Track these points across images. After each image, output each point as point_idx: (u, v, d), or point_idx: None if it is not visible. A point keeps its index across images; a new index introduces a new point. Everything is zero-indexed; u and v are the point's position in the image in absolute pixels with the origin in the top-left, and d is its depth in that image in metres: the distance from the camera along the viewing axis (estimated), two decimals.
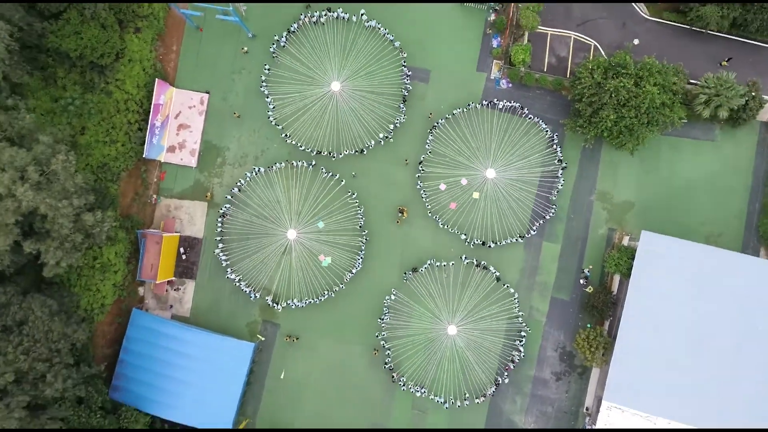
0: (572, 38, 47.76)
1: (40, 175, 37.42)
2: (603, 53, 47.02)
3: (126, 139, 47.21)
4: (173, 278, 48.71)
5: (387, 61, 47.80)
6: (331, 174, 47.84)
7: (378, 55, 47.82)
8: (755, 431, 40.80)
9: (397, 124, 47.78)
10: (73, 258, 40.34)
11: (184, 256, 48.76)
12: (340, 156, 47.77)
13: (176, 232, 48.74)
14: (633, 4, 47.30)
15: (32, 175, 36.81)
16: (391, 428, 47.38)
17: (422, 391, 46.63)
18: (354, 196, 47.64)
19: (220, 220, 48.37)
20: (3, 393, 38.81)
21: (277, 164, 48.19)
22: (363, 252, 47.37)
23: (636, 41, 46.98)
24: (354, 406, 48.14)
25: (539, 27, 46.99)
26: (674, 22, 46.77)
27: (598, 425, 42.93)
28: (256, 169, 48.22)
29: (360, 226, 47.62)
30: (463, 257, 47.11)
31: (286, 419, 48.22)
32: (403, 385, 46.76)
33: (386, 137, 47.74)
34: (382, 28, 47.51)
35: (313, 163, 48.04)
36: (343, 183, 47.77)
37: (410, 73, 47.80)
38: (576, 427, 46.42)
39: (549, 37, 47.87)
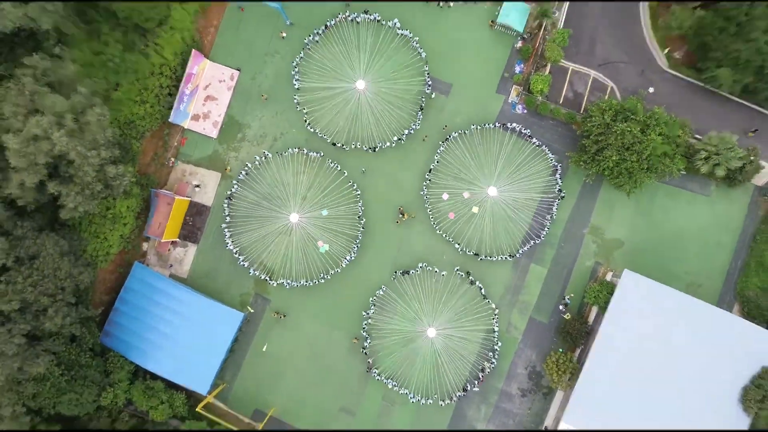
0: (591, 77, 52.36)
1: (75, 124, 42.47)
2: (618, 96, 51.59)
3: (155, 102, 51.81)
4: (177, 240, 53.87)
5: (413, 69, 52.31)
6: (338, 166, 52.52)
7: (405, 62, 52.33)
8: None
9: (412, 131, 52.44)
10: (90, 205, 45.02)
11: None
12: (353, 148, 52.45)
13: (188, 197, 53.76)
14: (654, 54, 52.09)
15: (69, 122, 41.59)
16: (368, 430, 52.16)
17: (394, 384, 51.79)
18: (355, 187, 52.29)
19: (226, 202, 53.31)
20: (7, 319, 43.66)
21: (289, 150, 53.23)
22: (359, 242, 52.15)
23: (651, 89, 51.48)
24: (328, 388, 52.93)
25: (562, 61, 51.65)
26: (690, 77, 51.50)
27: None
28: (265, 154, 53.22)
29: (359, 216, 52.52)
30: (456, 269, 52.00)
31: (262, 390, 53.01)
32: (378, 376, 51.91)
33: (399, 140, 52.47)
34: (413, 38, 52.04)
35: (321, 153, 52.89)
36: (345, 174, 52.41)
37: (432, 84, 52.51)
38: None
39: (570, 72, 52.47)
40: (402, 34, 52.10)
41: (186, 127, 53.29)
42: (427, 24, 52.70)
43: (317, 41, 52.63)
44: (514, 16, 51.04)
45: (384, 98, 52.33)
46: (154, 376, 51.24)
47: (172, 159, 53.87)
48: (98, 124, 43.19)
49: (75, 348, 48.17)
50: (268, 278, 52.31)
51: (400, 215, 52.45)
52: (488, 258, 51.43)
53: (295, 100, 52.66)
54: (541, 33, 51.68)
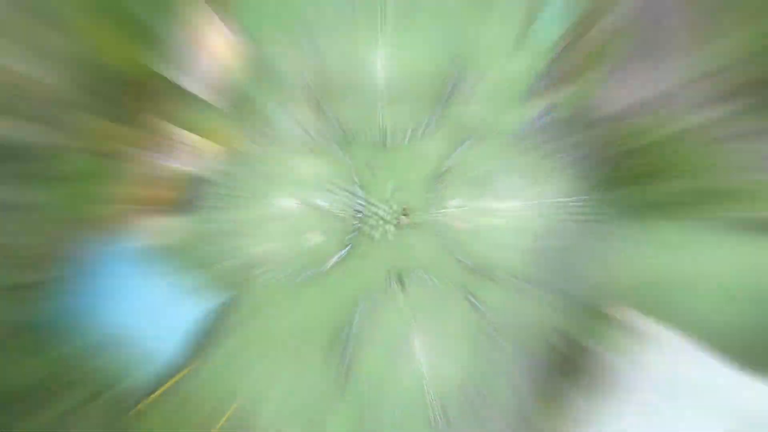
0: (632, 95, 50.92)
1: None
2: (658, 120, 50.10)
3: (158, 60, 51.41)
4: (162, 208, 52.70)
5: (437, 62, 51.57)
6: (342, 153, 51.57)
7: (430, 54, 51.65)
8: None
9: (428, 127, 51.49)
10: (73, 160, 44.35)
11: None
12: (361, 137, 51.58)
13: (178, 164, 52.74)
14: (707, 78, 50.37)
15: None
16: None
17: (372, 404, 49.79)
18: (356, 179, 51.39)
19: (219, 176, 52.22)
20: None
21: (294, 130, 52.08)
22: (353, 240, 51.03)
23: (699, 116, 49.81)
24: (298, 397, 51.21)
25: (600, 73, 50.35)
26: (744, 109, 49.73)
27: None
28: (267, 131, 52.19)
29: (357, 211, 51.21)
30: (456, 285, 50.34)
31: (224, 382, 51.61)
32: (354, 393, 49.89)
33: (413, 133, 51.45)
34: (440, 30, 51.30)
35: (326, 138, 51.76)
36: (348, 163, 51.33)
37: (457, 81, 51.54)
38: None
39: (607, 87, 51.11)
40: (428, 23, 51.28)
41: (187, 91, 52.57)
42: (459, 20, 51.91)
43: (335, 18, 52.00)
44: (554, 20, 49.93)
45: (402, 90, 51.34)
46: (108, 356, 49.91)
47: (168, 122, 53.13)
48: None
49: (23, 313, 46.93)
50: (251, 264, 51.03)
51: (403, 215, 51.18)
52: (493, 277, 49.76)
53: (306, 79, 51.83)
54: (582, 41, 50.41)
